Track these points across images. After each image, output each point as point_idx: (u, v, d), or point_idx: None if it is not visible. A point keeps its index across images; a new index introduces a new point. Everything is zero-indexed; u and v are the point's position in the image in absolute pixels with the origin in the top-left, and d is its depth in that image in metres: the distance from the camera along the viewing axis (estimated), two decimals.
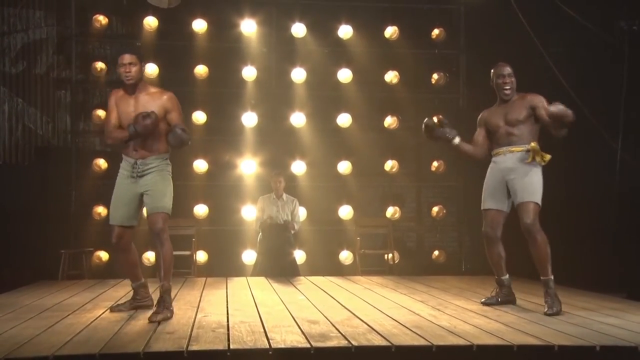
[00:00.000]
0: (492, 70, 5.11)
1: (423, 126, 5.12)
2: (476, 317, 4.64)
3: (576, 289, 5.88)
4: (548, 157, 4.86)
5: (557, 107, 4.68)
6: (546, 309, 4.71)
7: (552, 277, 4.83)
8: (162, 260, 4.65)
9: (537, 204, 4.85)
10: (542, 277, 4.85)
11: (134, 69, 4.67)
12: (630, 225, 6.28)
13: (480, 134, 5.18)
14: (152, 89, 4.80)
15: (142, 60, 4.75)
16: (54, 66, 8.67)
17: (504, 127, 4.99)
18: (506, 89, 5.01)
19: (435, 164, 9.22)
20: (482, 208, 5.15)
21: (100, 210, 8.40)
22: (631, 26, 6.41)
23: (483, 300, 5.27)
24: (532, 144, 4.87)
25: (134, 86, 4.73)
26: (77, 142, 8.71)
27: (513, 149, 4.95)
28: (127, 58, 4.68)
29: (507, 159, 4.97)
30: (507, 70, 5.03)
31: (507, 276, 5.21)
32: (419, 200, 9.35)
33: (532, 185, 4.86)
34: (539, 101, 4.90)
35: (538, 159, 4.84)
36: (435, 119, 5.12)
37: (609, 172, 6.43)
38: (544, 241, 4.80)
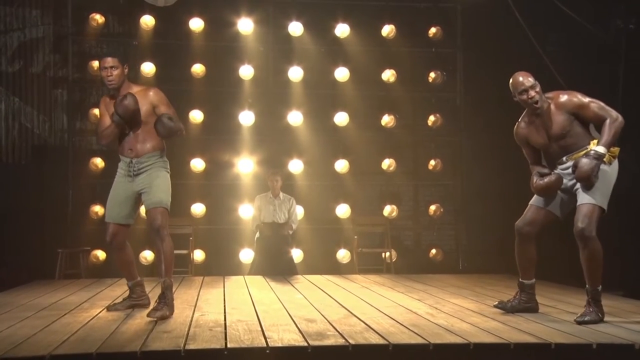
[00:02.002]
0: (510, 83, 4.51)
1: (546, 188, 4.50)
2: (473, 316, 4.64)
3: (573, 287, 5.88)
4: (617, 150, 4.36)
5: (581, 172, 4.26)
6: (577, 316, 4.35)
7: (598, 289, 4.33)
8: (162, 256, 4.64)
9: (596, 206, 4.27)
10: (587, 286, 4.38)
11: (115, 72, 4.67)
12: (627, 225, 6.30)
13: (532, 153, 4.64)
14: (136, 88, 4.79)
15: (125, 63, 4.74)
16: (50, 65, 8.66)
17: (553, 144, 4.47)
18: (536, 104, 4.40)
19: (432, 162, 9.22)
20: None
21: (97, 209, 8.38)
22: (627, 25, 6.41)
23: (496, 303, 4.81)
24: (592, 144, 4.35)
25: (117, 89, 4.73)
26: (74, 141, 8.69)
27: (574, 156, 4.42)
28: (109, 61, 4.68)
29: (569, 165, 4.44)
30: (530, 81, 4.40)
31: (533, 281, 4.70)
32: (416, 198, 9.35)
33: (597, 187, 4.30)
34: (578, 104, 4.38)
35: (605, 158, 4.31)
36: (546, 179, 4.49)
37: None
38: (596, 251, 4.25)
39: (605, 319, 4.39)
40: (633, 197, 6.33)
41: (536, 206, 4.61)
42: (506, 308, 4.72)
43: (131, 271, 5.01)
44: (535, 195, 4.64)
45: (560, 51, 7.31)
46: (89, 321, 4.48)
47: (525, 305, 4.72)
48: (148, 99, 4.70)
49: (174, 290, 4.77)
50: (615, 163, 4.41)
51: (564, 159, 4.50)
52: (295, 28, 8.96)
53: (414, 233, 9.34)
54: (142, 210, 5.01)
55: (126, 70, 4.77)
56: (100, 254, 8.45)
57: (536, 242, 4.65)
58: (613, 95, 6.43)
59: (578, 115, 4.41)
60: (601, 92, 6.50)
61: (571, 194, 4.50)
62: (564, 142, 4.45)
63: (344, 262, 8.86)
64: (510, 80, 4.52)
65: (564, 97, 4.44)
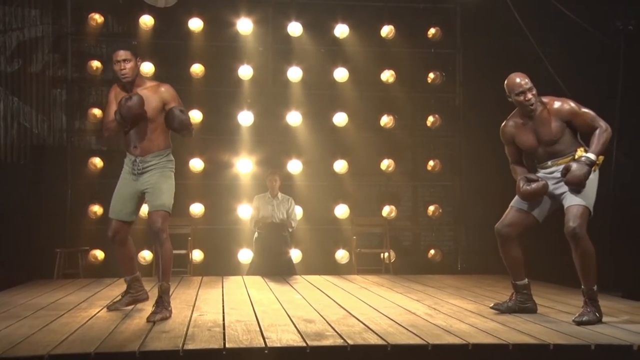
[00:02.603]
0: (505, 84, 4.52)
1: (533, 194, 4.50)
2: (472, 316, 4.64)
3: (571, 287, 5.89)
4: (601, 159, 4.40)
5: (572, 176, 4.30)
6: (575, 316, 4.35)
7: (594, 288, 4.36)
8: (161, 260, 4.62)
9: (586, 207, 4.33)
10: (582, 286, 4.40)
11: (128, 66, 4.61)
12: (625, 225, 6.30)
13: (515, 153, 4.67)
14: (149, 83, 4.75)
15: (137, 56, 4.69)
16: (49, 65, 8.65)
17: (541, 148, 4.50)
18: (531, 106, 4.42)
19: (431, 163, 9.23)
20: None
21: (96, 209, 8.39)
22: (627, 26, 6.41)
23: (492, 305, 4.84)
24: (579, 151, 4.42)
25: (131, 82, 4.67)
26: (73, 140, 8.69)
27: (560, 161, 4.47)
28: (121, 54, 4.61)
29: (553, 169, 4.50)
30: (527, 83, 4.42)
31: (525, 281, 4.74)
32: (415, 199, 9.36)
33: (585, 190, 4.34)
34: (572, 111, 4.40)
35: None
36: (533, 185, 4.48)
37: (605, 173, 6.43)
38: (589, 250, 4.30)
39: (604, 319, 4.39)
40: (630, 197, 6.33)
41: (516, 208, 4.65)
42: (502, 309, 4.75)
43: (131, 266, 4.99)
44: (515, 198, 4.68)
45: (560, 52, 7.30)
46: (87, 321, 4.48)
47: (522, 306, 4.74)
48: (159, 95, 4.64)
49: (172, 290, 4.79)
50: (597, 171, 4.45)
51: (549, 163, 4.54)
52: (295, 28, 8.96)
53: (413, 233, 9.34)
54: (143, 210, 4.99)
55: (139, 63, 4.71)
56: (99, 254, 8.45)
57: (519, 242, 4.67)
58: (612, 96, 6.43)
59: (570, 122, 4.44)
60: (600, 93, 6.53)
61: (553, 198, 4.54)
62: (552, 148, 4.49)
63: (343, 262, 8.86)
64: (506, 81, 4.53)
65: (558, 104, 4.45)
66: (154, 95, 4.64)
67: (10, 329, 4.20)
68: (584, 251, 4.31)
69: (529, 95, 4.42)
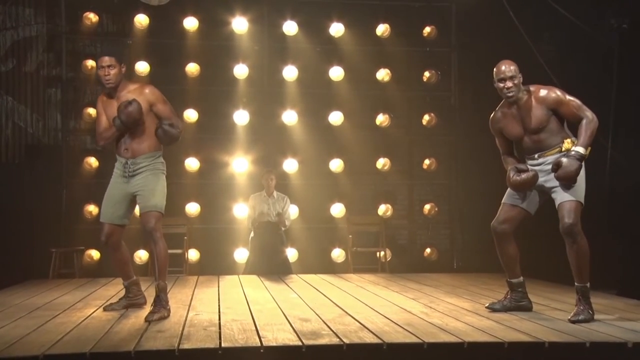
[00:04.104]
0: (494, 70, 4.55)
1: (523, 184, 4.51)
2: (468, 315, 4.65)
3: (566, 285, 5.90)
4: (589, 149, 4.37)
5: (564, 172, 4.29)
6: (571, 315, 4.36)
7: (587, 285, 4.39)
8: (156, 259, 4.63)
9: (579, 202, 4.35)
10: (576, 283, 4.42)
11: (112, 72, 4.65)
12: (620, 223, 6.31)
13: (505, 143, 4.70)
14: (132, 86, 4.77)
15: (122, 62, 4.72)
16: (44, 64, 8.62)
17: (527, 138, 4.51)
18: (509, 95, 4.46)
19: (427, 161, 9.23)
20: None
21: (92, 208, 8.37)
22: (621, 24, 6.43)
23: (487, 305, 4.86)
24: (566, 143, 4.43)
25: (115, 89, 4.72)
26: (68, 140, 8.66)
27: (547, 153, 4.49)
28: (106, 60, 4.66)
29: (540, 162, 4.51)
30: (511, 70, 4.44)
31: (520, 279, 4.76)
32: (411, 197, 9.37)
33: (576, 184, 4.35)
34: (557, 100, 4.41)
35: None
36: (523, 176, 4.50)
37: (600, 171, 6.46)
38: (584, 246, 4.33)
39: (599, 317, 4.42)
40: (625, 195, 6.35)
41: (509, 204, 4.68)
42: (498, 308, 4.76)
43: (127, 271, 4.99)
44: (506, 194, 4.70)
45: (554, 50, 7.32)
46: (82, 321, 4.47)
47: (518, 304, 4.76)
48: (144, 97, 4.66)
49: (168, 290, 4.78)
50: (583, 163, 4.45)
51: (536, 155, 4.55)
52: (290, 27, 8.95)
53: (409, 232, 9.35)
54: (137, 210, 4.98)
55: (123, 69, 4.74)
56: (95, 254, 8.43)
57: (515, 239, 4.69)
58: (607, 94, 6.44)
59: (556, 111, 4.46)
60: (595, 91, 6.54)
61: (542, 191, 4.56)
62: (538, 137, 4.50)
63: (339, 261, 8.86)
64: (495, 69, 4.56)
65: (544, 92, 4.47)
66: (139, 97, 4.66)
67: (5, 329, 4.19)
68: (579, 247, 4.34)
69: (509, 84, 4.44)
